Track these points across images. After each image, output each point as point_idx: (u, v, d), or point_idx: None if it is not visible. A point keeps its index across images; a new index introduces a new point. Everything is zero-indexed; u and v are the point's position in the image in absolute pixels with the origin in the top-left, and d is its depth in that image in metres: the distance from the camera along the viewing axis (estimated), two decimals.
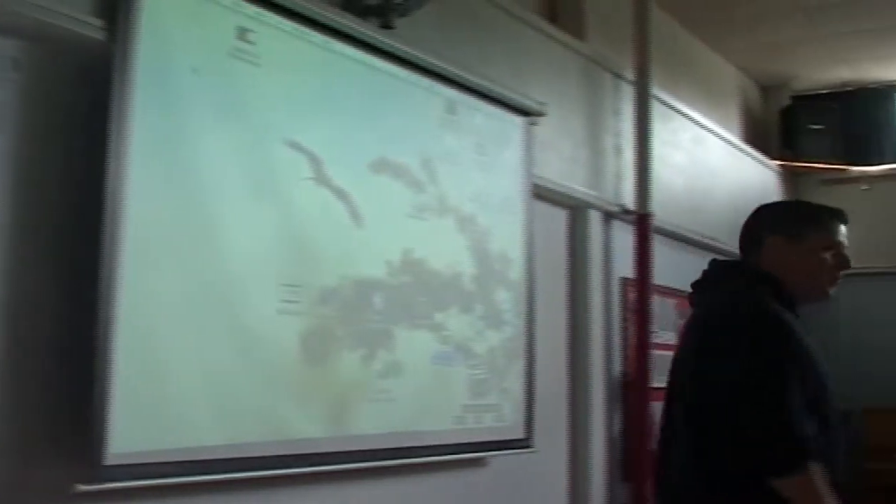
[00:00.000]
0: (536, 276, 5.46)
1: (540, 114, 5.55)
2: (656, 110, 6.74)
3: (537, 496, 5.70)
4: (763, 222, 3.10)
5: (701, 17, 8.16)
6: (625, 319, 6.55)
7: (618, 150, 6.55)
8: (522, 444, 5.30)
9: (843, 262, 2.99)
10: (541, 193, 5.68)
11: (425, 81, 4.80)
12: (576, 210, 6.19)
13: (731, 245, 8.04)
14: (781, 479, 2.63)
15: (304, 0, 4.11)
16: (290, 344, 3.96)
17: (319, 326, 4.09)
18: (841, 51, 8.96)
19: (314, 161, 4.11)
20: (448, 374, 4.80)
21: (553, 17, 6.44)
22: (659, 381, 6.73)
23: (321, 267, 4.13)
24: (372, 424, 4.33)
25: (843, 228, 3.03)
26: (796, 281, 2.95)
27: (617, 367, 6.47)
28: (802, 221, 3.03)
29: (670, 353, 7.26)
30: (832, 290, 3.01)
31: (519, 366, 5.28)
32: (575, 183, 6.04)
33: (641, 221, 6.32)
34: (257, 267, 3.83)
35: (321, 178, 4.13)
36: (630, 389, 6.38)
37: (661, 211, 6.62)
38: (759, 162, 9.14)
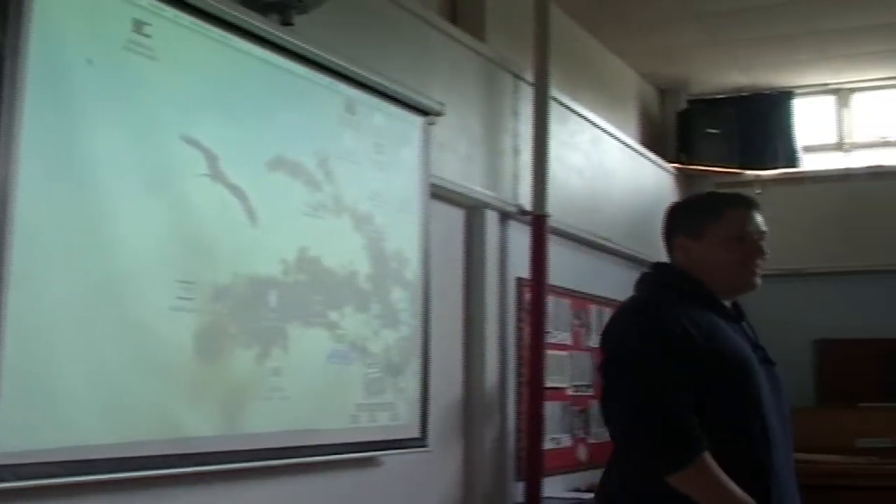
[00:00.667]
0: (432, 276, 5.47)
1: (439, 113, 5.56)
2: (555, 112, 6.79)
3: (432, 496, 5.72)
4: (669, 223, 3.15)
5: (601, 21, 8.24)
6: (520, 319, 6.59)
7: (516, 151, 6.58)
8: (417, 443, 5.31)
9: (752, 249, 2.99)
10: (438, 193, 5.69)
11: (325, 79, 4.78)
12: (472, 210, 6.22)
13: (626, 246, 8.23)
14: (672, 476, 2.70)
15: None
16: (183, 341, 3.91)
17: (213, 324, 4.05)
18: (737, 56, 9.13)
19: (210, 157, 4.06)
20: (343, 373, 4.79)
21: (454, 17, 6.46)
22: (553, 380, 6.81)
23: (215, 264, 4.09)
24: (265, 423, 4.30)
25: (747, 214, 3.04)
26: (711, 278, 2.99)
27: (512, 367, 6.50)
28: (699, 217, 3.08)
29: (565, 353, 7.41)
30: (754, 279, 3.00)
31: (414, 365, 5.29)
32: (472, 183, 6.06)
33: (538, 222, 6.36)
34: (151, 264, 3.78)
35: (217, 175, 4.09)
36: (525, 389, 6.42)
37: (558, 212, 6.67)
38: (656, 164, 9.26)
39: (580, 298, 7.53)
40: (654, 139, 9.79)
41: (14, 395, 3.24)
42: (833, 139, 10.17)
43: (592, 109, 7.94)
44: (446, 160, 5.80)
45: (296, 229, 4.54)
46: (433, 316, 5.46)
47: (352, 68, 4.89)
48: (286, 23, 4.55)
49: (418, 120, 5.43)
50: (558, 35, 6.82)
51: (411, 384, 5.26)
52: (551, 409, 6.85)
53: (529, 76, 6.60)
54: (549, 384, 6.58)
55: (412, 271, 5.32)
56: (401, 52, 5.49)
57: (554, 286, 6.78)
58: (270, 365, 4.33)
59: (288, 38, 4.50)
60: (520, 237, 6.47)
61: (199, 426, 3.99)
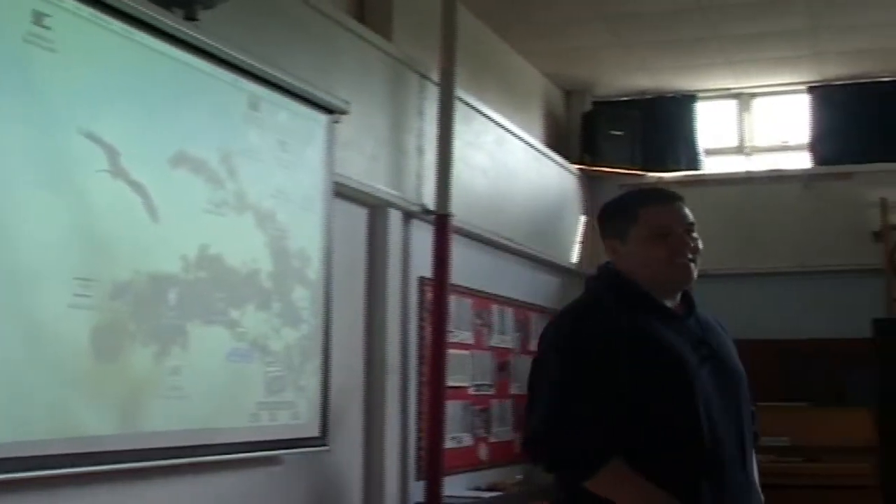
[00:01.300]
0: (335, 275, 5.46)
1: (344, 112, 5.55)
2: (460, 112, 6.81)
3: (332, 494, 5.70)
4: (599, 226, 3.14)
5: (508, 22, 8.28)
6: (422, 319, 6.60)
7: (420, 151, 6.59)
8: (317, 442, 5.30)
9: (675, 243, 2.97)
10: (342, 192, 5.69)
11: (229, 76, 4.74)
12: (376, 209, 6.21)
13: (529, 247, 8.27)
14: (587, 482, 2.77)
15: None
16: (81, 339, 3.85)
17: (112, 322, 4.00)
18: (642, 59, 9.24)
19: (111, 153, 4.01)
20: (243, 372, 4.76)
21: (361, 16, 6.44)
22: (454, 380, 6.84)
23: (115, 261, 4.03)
24: (164, 422, 4.26)
25: (664, 209, 3.01)
26: (643, 277, 2.98)
27: (413, 366, 6.51)
28: (618, 219, 3.07)
29: (466, 353, 7.44)
30: (685, 273, 2.98)
31: (315, 364, 5.28)
32: (376, 182, 6.06)
33: (441, 221, 6.37)
34: (48, 261, 3.72)
35: (117, 171, 4.04)
36: (426, 388, 6.43)
37: (461, 211, 6.70)
38: (560, 165, 9.34)
39: (482, 298, 7.57)
40: (559, 140, 9.86)
41: None
42: (734, 143, 10.34)
43: (498, 110, 7.98)
44: (351, 159, 5.79)
45: (197, 227, 4.50)
46: (335, 315, 5.45)
47: (256, 65, 4.86)
48: (190, 18, 4.50)
49: (323, 118, 5.42)
50: (465, 35, 6.84)
51: (312, 383, 5.25)
52: (452, 408, 6.88)
53: (435, 76, 6.61)
54: (450, 383, 6.60)
55: (314, 270, 5.30)
56: (307, 50, 5.47)
57: (456, 286, 6.80)
58: (170, 363, 4.28)
59: (192, 34, 4.45)
60: (423, 236, 6.48)
61: (98, 425, 3.94)
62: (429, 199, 6.48)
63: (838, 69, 9.47)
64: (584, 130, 9.91)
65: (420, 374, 6.54)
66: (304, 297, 5.22)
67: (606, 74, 9.75)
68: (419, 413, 6.49)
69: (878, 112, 9.60)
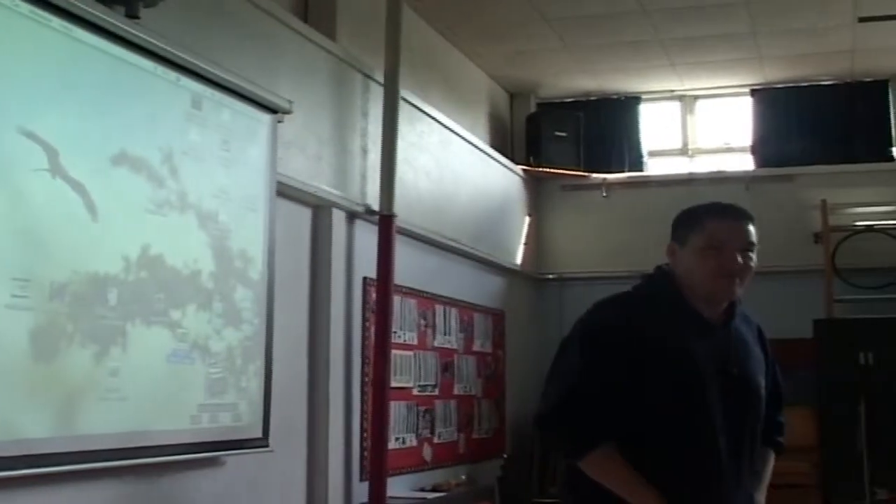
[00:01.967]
0: (277, 275, 5.43)
1: (287, 111, 5.52)
2: (404, 112, 6.80)
3: (274, 496, 5.67)
4: (672, 229, 3.18)
5: (453, 23, 8.29)
6: (366, 319, 6.59)
7: (364, 151, 6.57)
8: (259, 443, 5.26)
9: (724, 259, 3.00)
10: (285, 192, 5.66)
11: (171, 74, 4.70)
12: (319, 209, 6.18)
13: (474, 248, 8.26)
14: (577, 461, 2.94)
15: None
16: (17, 341, 3.80)
17: (49, 322, 3.95)
18: (585, 61, 9.28)
19: (50, 152, 3.96)
20: (184, 373, 4.72)
21: (305, 15, 6.41)
22: (398, 380, 6.84)
23: (53, 261, 3.98)
24: (102, 424, 4.22)
25: (725, 225, 3.05)
26: (687, 284, 3.06)
27: (357, 367, 6.49)
28: (683, 224, 3.13)
29: (410, 353, 7.44)
30: (725, 290, 3.02)
31: (258, 364, 5.25)
32: (320, 182, 6.03)
33: (385, 222, 6.36)
34: None
35: (57, 170, 3.99)
36: (370, 389, 6.42)
37: (406, 212, 6.69)
38: (505, 167, 9.35)
39: (426, 299, 7.56)
40: (504, 142, 9.89)
41: None
42: (678, 144, 10.42)
43: (443, 111, 7.98)
44: (294, 158, 5.76)
45: (138, 226, 4.45)
46: (278, 315, 5.43)
47: (199, 63, 4.82)
48: (132, 15, 4.45)
49: (266, 118, 5.39)
50: (410, 36, 6.83)
51: (254, 384, 5.22)
52: (396, 409, 6.88)
53: (380, 76, 6.59)
54: (394, 384, 6.60)
55: (257, 270, 5.27)
56: (250, 49, 5.43)
57: (400, 286, 6.80)
58: (109, 365, 4.24)
59: (133, 31, 4.41)
60: (367, 237, 6.46)
61: (35, 427, 3.89)
62: (373, 199, 6.46)
63: (780, 72, 9.59)
64: (528, 132, 9.95)
65: (364, 374, 6.53)
66: (247, 298, 5.18)
67: (551, 76, 9.79)
68: (363, 413, 6.47)
69: (819, 115, 9.75)
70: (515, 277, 9.40)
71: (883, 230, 9.09)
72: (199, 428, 4.83)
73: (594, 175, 9.96)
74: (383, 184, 6.39)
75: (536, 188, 10.01)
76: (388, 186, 6.38)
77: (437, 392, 7.69)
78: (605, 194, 9.73)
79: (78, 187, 4.09)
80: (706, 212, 3.11)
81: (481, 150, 8.79)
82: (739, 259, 3.01)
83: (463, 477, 7.82)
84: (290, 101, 5.54)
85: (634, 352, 2.91)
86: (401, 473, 6.94)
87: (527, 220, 9.78)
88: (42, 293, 3.91)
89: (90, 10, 4.17)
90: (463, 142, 8.35)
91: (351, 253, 6.46)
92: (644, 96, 10.23)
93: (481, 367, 8.61)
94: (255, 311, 5.25)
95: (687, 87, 10.10)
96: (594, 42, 8.81)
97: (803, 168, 9.57)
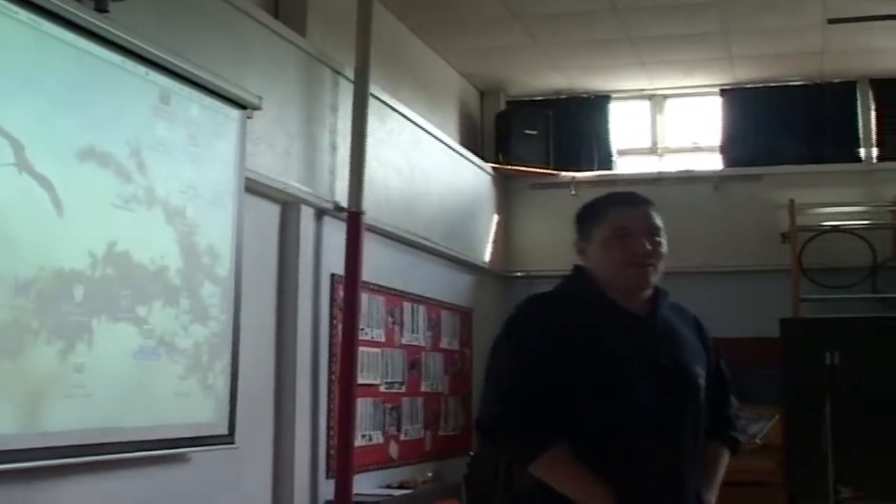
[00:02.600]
0: (245, 271, 5.41)
1: (256, 107, 5.50)
2: (374, 109, 6.79)
3: (240, 493, 5.65)
4: (575, 229, 3.16)
5: (423, 20, 8.28)
6: (333, 316, 6.57)
7: (333, 147, 6.55)
8: (225, 440, 5.24)
9: (630, 245, 2.97)
10: (253, 187, 5.64)
11: (139, 68, 4.67)
12: (288, 205, 6.16)
13: (443, 245, 8.25)
14: (527, 466, 2.87)
15: None
16: None
17: (14, 319, 3.91)
18: (555, 59, 9.28)
19: (16, 146, 3.92)
20: (150, 369, 4.69)
21: (275, 10, 6.39)
22: (365, 378, 6.82)
23: (18, 257, 3.94)
24: (67, 421, 4.19)
25: (626, 212, 3.03)
26: (602, 279, 3.02)
27: (324, 364, 6.48)
28: (585, 219, 3.13)
29: (378, 351, 7.42)
30: (637, 277, 2.98)
31: (224, 361, 5.23)
32: (288, 178, 6.01)
33: (353, 219, 6.35)
34: None
35: (23, 165, 3.95)
36: (336, 386, 6.41)
37: (375, 209, 6.68)
38: (474, 164, 9.34)
39: (394, 296, 7.55)
40: (474, 139, 9.89)
41: None
42: (647, 143, 10.44)
43: (413, 108, 7.97)
44: (263, 154, 5.74)
45: (105, 222, 4.42)
46: (245, 312, 5.41)
47: (167, 58, 4.79)
48: (100, 9, 4.42)
49: (235, 113, 5.36)
50: (380, 32, 6.82)
51: (220, 381, 5.20)
52: (363, 406, 6.87)
53: (350, 73, 6.58)
54: (361, 381, 6.59)
55: (224, 266, 5.25)
56: (219, 44, 5.41)
57: (368, 283, 6.79)
58: (74, 361, 4.21)
59: (101, 25, 4.37)
60: (335, 234, 6.45)
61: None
62: (341, 196, 6.44)
63: (749, 72, 9.62)
64: (498, 130, 9.95)
65: (331, 371, 6.51)
66: (214, 294, 5.16)
67: (521, 74, 9.79)
68: (329, 411, 6.45)
69: (787, 115, 9.79)
70: (484, 275, 9.41)
71: (849, 230, 9.13)
72: (165, 424, 4.81)
73: (563, 173, 9.96)
74: (352, 181, 6.37)
75: (505, 186, 10.01)
76: (357, 183, 6.37)
77: (404, 389, 7.68)
78: (573, 193, 9.72)
79: (44, 182, 4.06)
80: (605, 202, 3.11)
81: (451, 147, 8.79)
82: (647, 245, 2.98)
83: (429, 474, 7.82)
84: (259, 97, 5.52)
85: (559, 351, 2.85)
86: (367, 470, 6.94)
87: (495, 217, 9.78)
88: (7, 289, 3.88)
89: (59, 3, 4.13)
90: (433, 139, 8.33)
91: (319, 250, 6.44)
92: (614, 95, 10.25)
93: (448, 365, 8.61)
94: (223, 307, 5.23)
95: (657, 86, 10.12)
96: (564, 40, 8.81)
97: (771, 168, 9.62)
